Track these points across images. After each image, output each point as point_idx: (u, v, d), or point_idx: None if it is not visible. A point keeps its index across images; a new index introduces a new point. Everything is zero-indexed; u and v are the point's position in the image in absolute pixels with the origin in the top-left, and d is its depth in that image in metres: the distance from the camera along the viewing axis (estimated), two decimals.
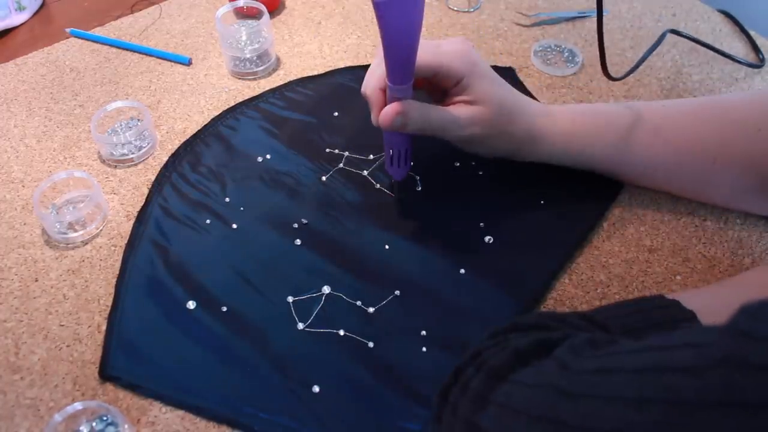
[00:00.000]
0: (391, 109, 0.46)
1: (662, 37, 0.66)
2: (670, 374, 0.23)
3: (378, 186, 0.56)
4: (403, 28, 0.41)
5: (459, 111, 0.48)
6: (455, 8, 0.76)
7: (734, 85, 0.66)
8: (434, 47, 0.48)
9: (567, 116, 0.52)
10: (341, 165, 0.58)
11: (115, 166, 0.59)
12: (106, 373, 0.45)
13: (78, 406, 0.41)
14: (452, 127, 0.48)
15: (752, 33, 0.72)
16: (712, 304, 0.38)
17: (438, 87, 0.50)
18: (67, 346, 0.47)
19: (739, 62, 0.67)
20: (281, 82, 0.67)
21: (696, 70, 0.68)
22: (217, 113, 0.64)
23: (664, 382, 0.23)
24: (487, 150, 0.52)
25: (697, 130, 0.51)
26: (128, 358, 0.45)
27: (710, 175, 0.51)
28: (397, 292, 0.49)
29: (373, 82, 0.48)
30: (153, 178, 0.58)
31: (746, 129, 0.49)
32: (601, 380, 0.26)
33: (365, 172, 0.58)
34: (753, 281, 0.43)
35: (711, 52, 0.69)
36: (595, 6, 0.67)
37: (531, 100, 0.53)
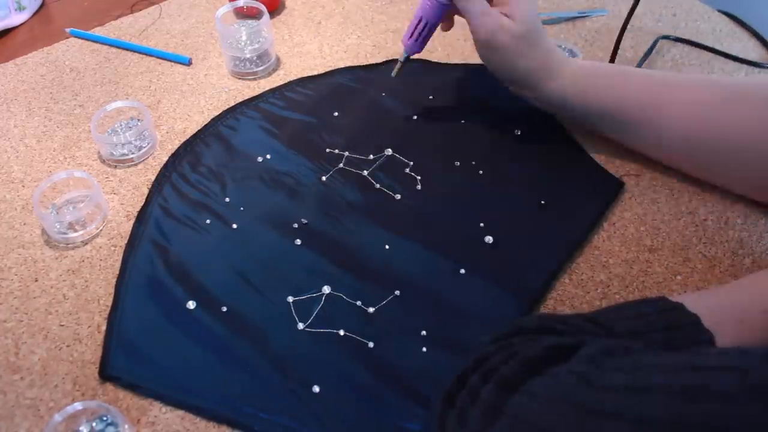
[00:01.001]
0: None
1: (654, 44, 0.66)
2: (708, 400, 0.22)
3: (378, 186, 0.56)
4: None
5: (497, 13, 0.52)
6: None
7: None
8: None
9: (587, 63, 0.55)
10: (341, 165, 0.58)
11: (115, 166, 0.59)
12: (106, 373, 0.45)
13: (78, 406, 0.41)
14: (489, 21, 0.51)
15: (753, 32, 0.72)
16: (715, 307, 0.38)
17: None
18: (67, 346, 0.47)
19: (741, 61, 0.68)
20: (281, 82, 0.67)
21: (696, 70, 0.68)
22: (217, 113, 0.64)
23: (703, 408, 0.22)
24: (506, 70, 0.54)
25: (713, 101, 0.51)
26: (128, 358, 0.45)
27: (725, 148, 0.51)
28: (397, 292, 0.49)
29: None
30: (153, 178, 0.58)
31: (758, 101, 0.49)
32: (632, 399, 0.25)
33: (365, 172, 0.58)
34: (756, 285, 0.43)
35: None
36: (595, 6, 0.67)
37: None
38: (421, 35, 0.56)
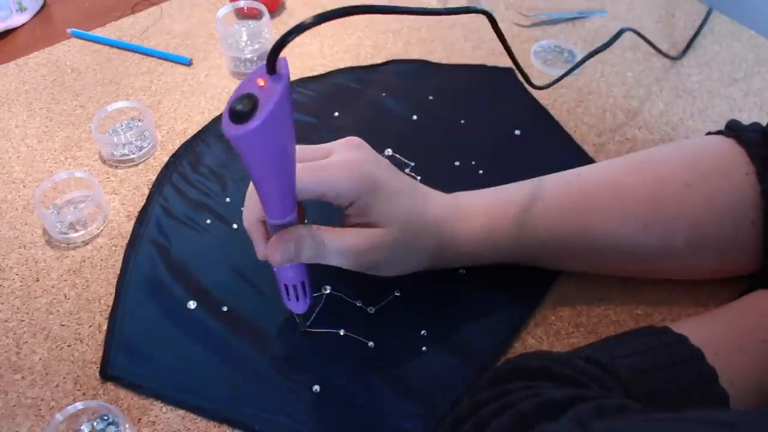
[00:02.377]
0: (280, 238, 0.38)
1: (619, 33, 0.64)
2: None
3: None
4: (271, 158, 0.32)
5: (358, 236, 0.41)
6: None
7: (733, 85, 0.66)
8: (321, 161, 0.41)
9: (480, 210, 0.46)
10: None
11: (116, 167, 0.59)
12: (106, 373, 0.45)
13: (79, 405, 0.41)
14: (351, 255, 0.41)
15: (752, 32, 0.72)
16: (715, 338, 0.38)
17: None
18: (68, 345, 0.47)
19: (665, 56, 0.69)
20: None
21: (695, 71, 0.68)
22: (217, 113, 0.64)
23: None
24: (398, 269, 0.45)
25: (623, 196, 0.45)
26: (129, 358, 0.45)
27: (641, 239, 0.45)
28: (397, 293, 0.49)
29: (252, 212, 0.41)
30: (154, 178, 0.58)
31: (675, 185, 0.44)
32: None
33: None
34: (755, 309, 0.41)
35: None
36: (594, 7, 0.67)
37: (437, 197, 0.46)
38: (299, 295, 0.43)
